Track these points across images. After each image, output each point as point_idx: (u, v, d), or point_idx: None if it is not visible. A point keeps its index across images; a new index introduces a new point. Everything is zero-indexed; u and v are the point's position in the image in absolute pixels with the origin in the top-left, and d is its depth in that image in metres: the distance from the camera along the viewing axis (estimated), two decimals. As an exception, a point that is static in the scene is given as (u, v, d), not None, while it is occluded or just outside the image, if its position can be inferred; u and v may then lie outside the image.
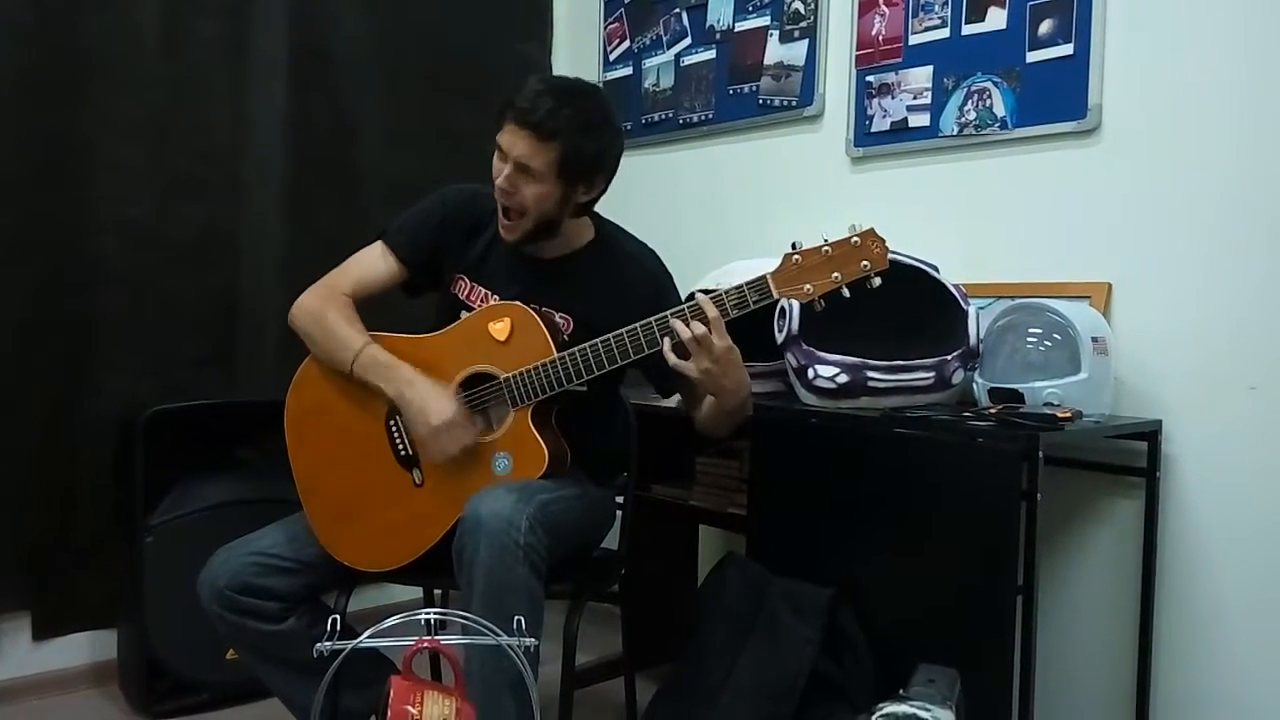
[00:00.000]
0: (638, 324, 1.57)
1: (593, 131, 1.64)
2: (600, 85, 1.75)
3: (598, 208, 1.83)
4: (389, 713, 1.20)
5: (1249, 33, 1.80)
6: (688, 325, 1.53)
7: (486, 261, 1.78)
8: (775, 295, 1.52)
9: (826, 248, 1.50)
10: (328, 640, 1.24)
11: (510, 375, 1.63)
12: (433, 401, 1.62)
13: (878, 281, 1.49)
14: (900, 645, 1.67)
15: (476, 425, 1.66)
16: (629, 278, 1.76)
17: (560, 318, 1.72)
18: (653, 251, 1.82)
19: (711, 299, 1.54)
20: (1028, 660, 1.61)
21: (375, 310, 1.79)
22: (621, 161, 1.73)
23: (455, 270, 1.79)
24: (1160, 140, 1.91)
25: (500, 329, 1.65)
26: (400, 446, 1.70)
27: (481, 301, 1.75)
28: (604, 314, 1.66)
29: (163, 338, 2.40)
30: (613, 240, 1.81)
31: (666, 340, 1.55)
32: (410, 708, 1.21)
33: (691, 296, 1.58)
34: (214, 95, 2.46)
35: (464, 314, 1.75)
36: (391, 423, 1.70)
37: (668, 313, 1.56)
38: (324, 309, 1.72)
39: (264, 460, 2.35)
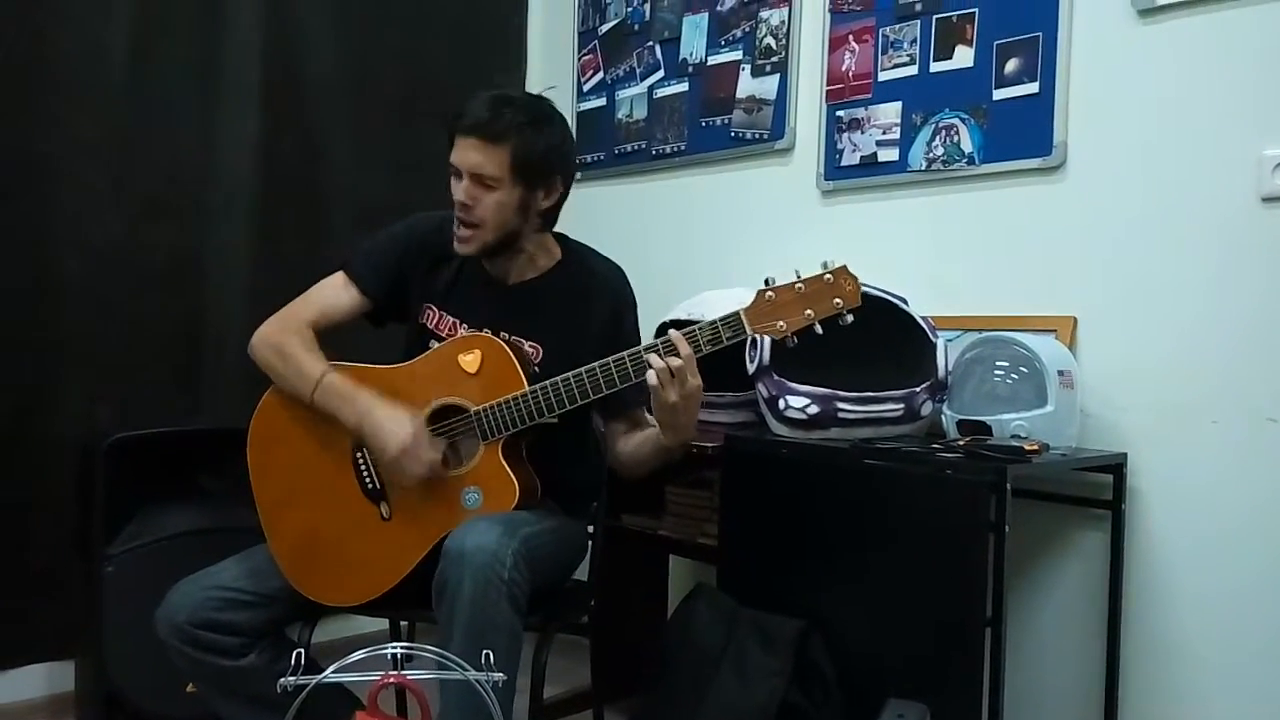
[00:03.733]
0: (610, 359, 1.56)
1: (541, 128, 1.65)
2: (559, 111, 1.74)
3: (569, 232, 1.83)
4: (352, 750, 1.18)
5: (1209, 72, 1.84)
6: (662, 359, 1.52)
7: (454, 290, 1.77)
8: (749, 332, 1.51)
9: (800, 284, 1.49)
10: (291, 675, 1.22)
11: (480, 409, 1.61)
12: (393, 425, 1.59)
13: (850, 319, 1.48)
14: (869, 677, 1.67)
15: (441, 446, 1.63)
16: (591, 298, 1.75)
17: (530, 346, 1.71)
18: (619, 269, 1.82)
19: (685, 335, 1.52)
20: (996, 692, 1.60)
21: (344, 341, 1.77)
22: (575, 179, 1.73)
23: (423, 300, 1.78)
24: (1124, 178, 1.94)
25: (470, 360, 1.64)
26: (367, 479, 1.67)
27: (450, 330, 1.74)
28: (569, 338, 1.66)
29: (126, 361, 2.37)
30: (579, 260, 1.80)
31: (651, 374, 1.52)
32: (374, 745, 1.19)
33: (665, 331, 1.57)
34: (183, 118, 2.45)
35: (433, 343, 1.73)
36: (358, 454, 1.68)
37: (640, 348, 1.55)
38: (284, 339, 1.70)
39: (227, 489, 2.30)
